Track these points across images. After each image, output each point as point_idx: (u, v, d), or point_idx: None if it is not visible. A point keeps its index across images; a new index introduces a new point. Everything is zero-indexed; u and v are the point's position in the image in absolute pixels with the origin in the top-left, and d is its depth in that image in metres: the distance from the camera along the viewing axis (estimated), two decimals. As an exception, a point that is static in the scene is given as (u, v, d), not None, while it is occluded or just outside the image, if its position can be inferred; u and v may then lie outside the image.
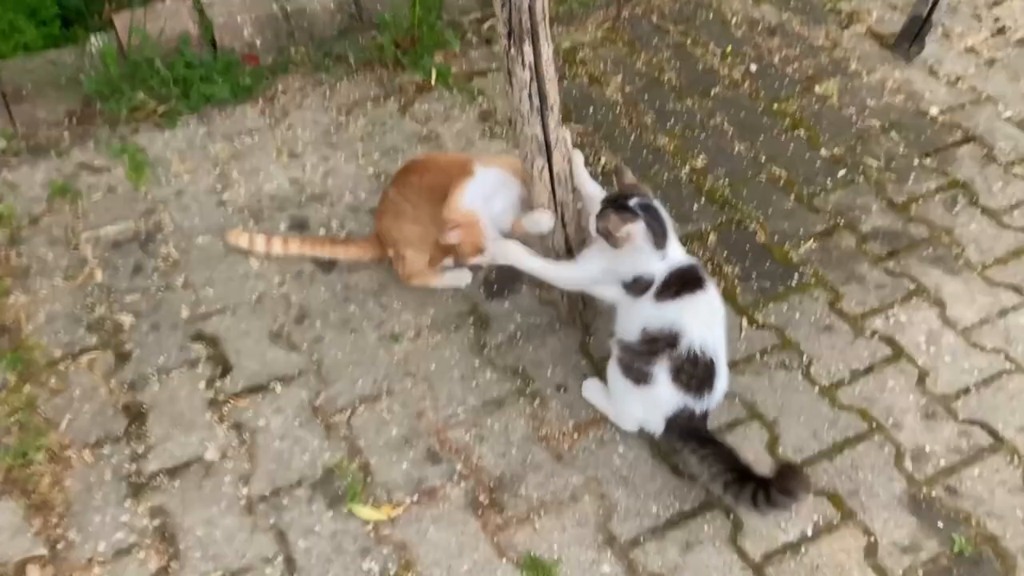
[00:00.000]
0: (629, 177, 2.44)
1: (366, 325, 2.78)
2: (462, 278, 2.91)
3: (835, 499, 2.38)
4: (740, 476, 2.25)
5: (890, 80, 3.77)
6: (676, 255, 2.34)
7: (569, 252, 2.55)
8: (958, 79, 3.78)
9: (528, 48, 2.19)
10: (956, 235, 3.11)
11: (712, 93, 3.70)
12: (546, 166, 2.41)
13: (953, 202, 3.23)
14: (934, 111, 3.61)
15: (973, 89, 3.73)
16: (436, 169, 2.72)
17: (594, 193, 2.47)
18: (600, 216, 2.28)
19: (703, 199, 3.23)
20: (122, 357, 2.67)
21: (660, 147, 3.43)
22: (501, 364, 2.69)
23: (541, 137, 2.35)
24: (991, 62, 3.88)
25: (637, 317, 2.32)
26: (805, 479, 2.27)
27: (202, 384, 2.61)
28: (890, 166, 3.37)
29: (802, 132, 3.52)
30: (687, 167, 3.35)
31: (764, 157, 3.40)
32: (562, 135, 2.41)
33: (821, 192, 3.26)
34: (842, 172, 3.34)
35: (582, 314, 2.77)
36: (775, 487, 2.17)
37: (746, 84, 3.75)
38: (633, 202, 2.28)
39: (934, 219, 3.17)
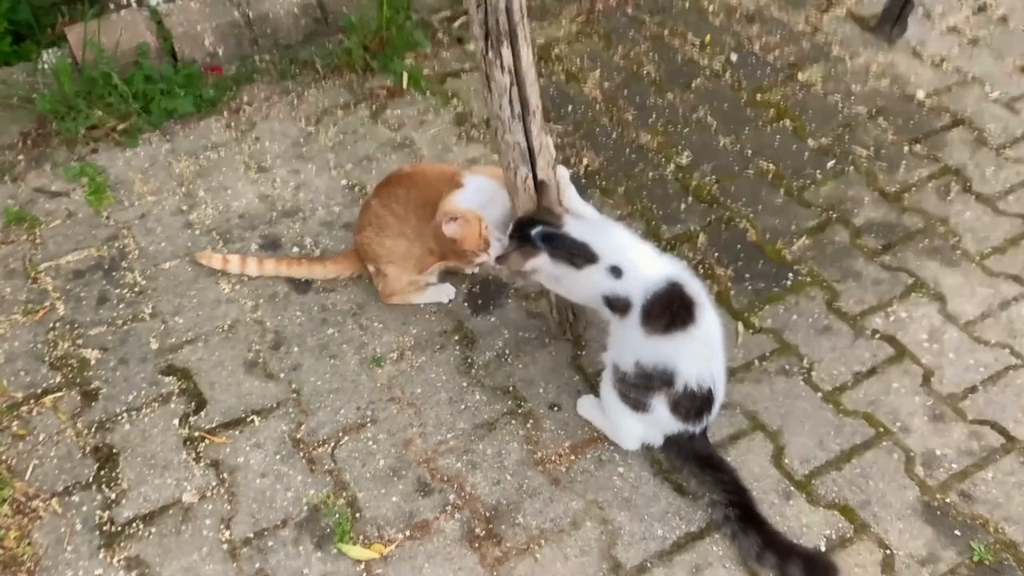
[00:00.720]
0: (547, 197, 2.27)
1: (346, 348, 2.65)
2: (445, 293, 2.78)
3: (847, 511, 2.28)
4: (744, 515, 2.16)
5: (874, 64, 3.67)
6: (644, 267, 2.17)
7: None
8: (942, 60, 3.68)
9: (507, 51, 2.06)
10: (952, 224, 3.01)
11: (693, 85, 3.58)
12: (530, 175, 2.28)
13: (946, 190, 3.13)
14: (920, 95, 3.52)
15: (958, 70, 3.63)
16: (424, 182, 2.58)
17: (587, 214, 2.35)
18: (501, 258, 2.24)
19: (690, 198, 3.11)
20: (89, 396, 2.52)
21: (643, 144, 3.31)
22: (490, 384, 2.56)
23: (524, 144, 2.22)
24: (974, 41, 3.78)
25: (629, 345, 2.18)
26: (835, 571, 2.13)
27: (176, 421, 2.47)
28: (880, 154, 3.27)
29: (788, 122, 3.41)
30: (672, 164, 3.24)
31: (750, 150, 3.29)
32: (545, 141, 2.29)
33: (811, 185, 3.16)
34: (831, 163, 3.24)
35: (572, 326, 2.65)
36: (803, 567, 2.08)
37: (727, 75, 3.63)
38: (535, 232, 2.19)
39: (928, 208, 3.07)
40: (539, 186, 2.26)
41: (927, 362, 2.61)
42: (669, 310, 2.12)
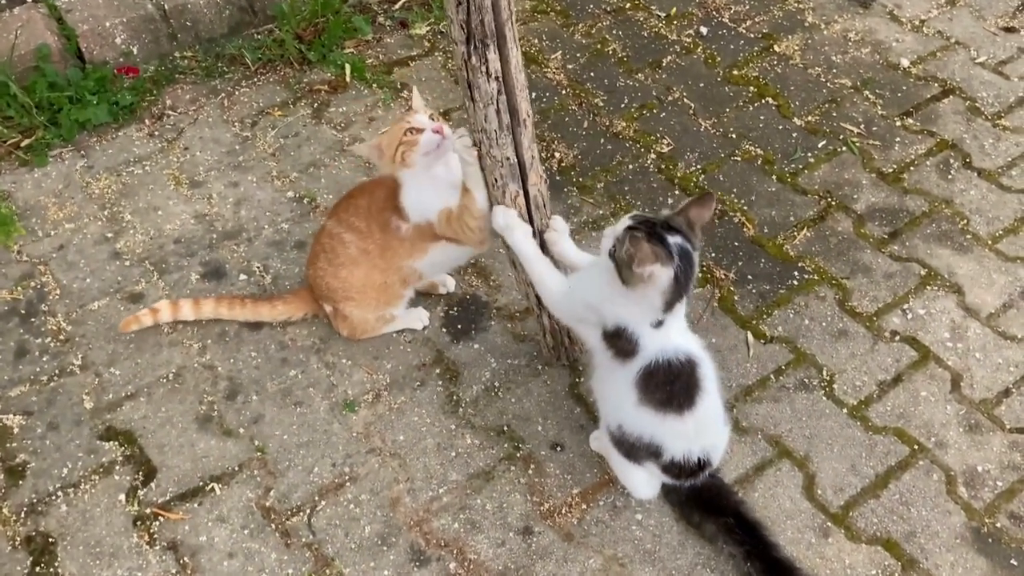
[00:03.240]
0: (701, 210, 1.84)
1: (313, 393, 2.32)
2: (418, 319, 2.46)
3: (891, 546, 2.06)
4: (766, 567, 1.93)
5: (852, 31, 3.42)
6: (674, 332, 1.87)
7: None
8: (922, 23, 3.46)
9: (493, 54, 1.76)
10: (957, 205, 2.80)
11: (664, 63, 3.29)
12: (520, 192, 1.98)
13: (946, 166, 2.92)
14: (905, 63, 3.29)
15: (940, 34, 3.41)
16: (392, 184, 2.22)
17: (585, 263, 2.06)
18: (630, 238, 1.73)
19: (676, 190, 2.84)
20: (14, 473, 2.15)
21: (618, 132, 3.02)
22: (481, 424, 2.26)
23: (513, 158, 1.92)
24: (952, 1, 3.56)
25: (615, 402, 1.95)
26: None
27: (121, 496, 2.12)
28: (871, 131, 3.03)
29: (770, 100, 3.15)
30: (652, 153, 2.95)
31: (734, 133, 3.03)
32: (535, 152, 1.98)
33: (803, 169, 2.91)
34: (822, 143, 2.99)
35: (567, 351, 2.36)
36: None
37: (699, 50, 3.35)
38: (673, 241, 1.78)
39: (930, 188, 2.85)
40: (705, 197, 1.83)
41: (953, 364, 2.39)
42: (671, 386, 1.86)
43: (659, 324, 1.83)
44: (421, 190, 2.14)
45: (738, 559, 1.97)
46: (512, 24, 1.73)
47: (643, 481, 2.07)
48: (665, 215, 1.84)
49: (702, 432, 1.93)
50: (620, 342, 1.88)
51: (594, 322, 1.92)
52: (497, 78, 1.77)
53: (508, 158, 1.90)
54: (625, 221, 1.83)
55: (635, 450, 1.96)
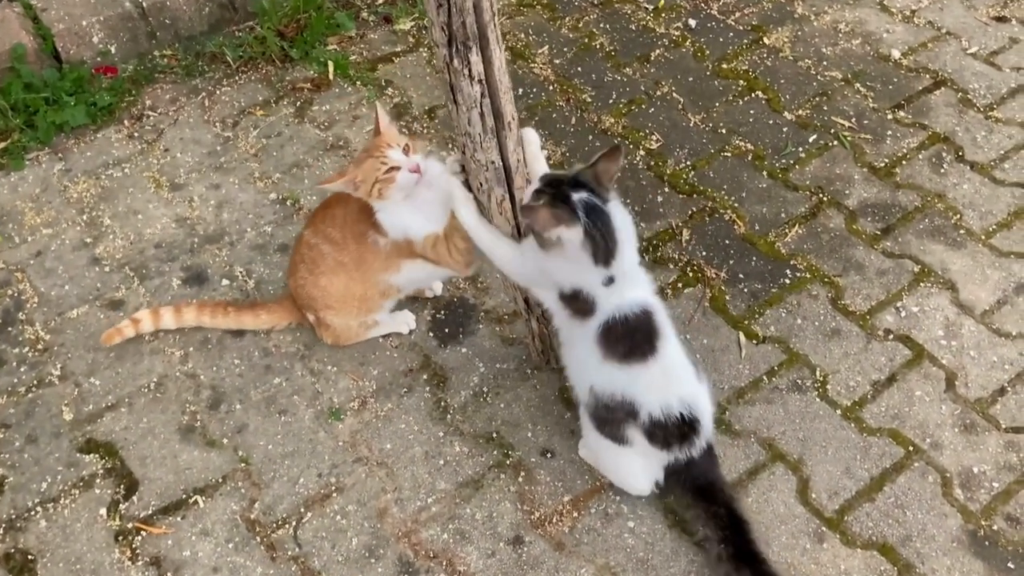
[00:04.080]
0: (609, 164, 1.82)
1: (297, 401, 2.28)
2: (404, 322, 2.42)
3: (887, 550, 2.02)
4: (738, 553, 1.90)
5: (842, 22, 3.38)
6: (630, 285, 1.87)
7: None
8: (913, 13, 3.42)
9: (476, 57, 1.71)
10: (950, 199, 2.76)
11: (652, 57, 3.24)
12: (507, 196, 1.93)
13: (939, 160, 2.88)
14: (896, 54, 3.24)
15: (931, 24, 3.37)
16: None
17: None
18: (524, 208, 1.77)
19: (666, 187, 2.79)
20: (-8, 489, 2.11)
21: (607, 128, 2.97)
22: (470, 431, 2.22)
23: (499, 163, 1.87)
24: (943, -10, 3.53)
25: (582, 365, 1.95)
26: None
27: (103, 511, 2.07)
28: (863, 124, 2.99)
29: (760, 94, 3.10)
30: (641, 150, 2.91)
31: (724, 128, 2.98)
32: (521, 155, 1.94)
33: (795, 164, 2.87)
34: (813, 137, 2.95)
35: (556, 354, 2.32)
36: None
37: (688, 43, 3.30)
38: (577, 197, 1.76)
39: (923, 183, 2.81)
40: (613, 149, 1.81)
41: (948, 363, 2.36)
42: (631, 339, 1.86)
43: (610, 281, 1.83)
44: (399, 212, 2.10)
45: (712, 542, 1.94)
46: (495, 25, 1.68)
47: (637, 471, 2.03)
48: (574, 171, 1.83)
49: (672, 378, 1.91)
50: (577, 303, 1.89)
51: (549, 285, 1.93)
52: (480, 81, 1.72)
53: (493, 162, 1.85)
54: (535, 183, 1.83)
55: (613, 416, 1.92)
